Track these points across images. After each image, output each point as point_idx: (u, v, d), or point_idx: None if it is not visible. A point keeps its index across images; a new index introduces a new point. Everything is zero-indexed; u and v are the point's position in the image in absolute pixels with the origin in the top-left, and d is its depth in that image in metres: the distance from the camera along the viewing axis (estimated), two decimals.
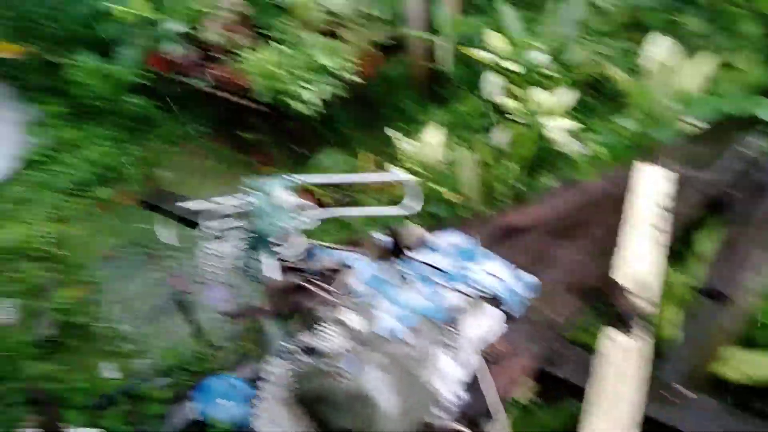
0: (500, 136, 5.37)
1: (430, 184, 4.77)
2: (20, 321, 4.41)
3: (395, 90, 6.52)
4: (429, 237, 2.35)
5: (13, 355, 4.11)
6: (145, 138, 6.16)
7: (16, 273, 4.73)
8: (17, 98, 6.10)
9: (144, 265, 4.92)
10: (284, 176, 1.93)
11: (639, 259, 2.42)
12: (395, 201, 4.85)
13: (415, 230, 2.28)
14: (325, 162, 5.39)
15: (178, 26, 5.82)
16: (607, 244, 2.52)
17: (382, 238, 2.31)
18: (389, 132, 5.89)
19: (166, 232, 2.17)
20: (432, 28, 5.78)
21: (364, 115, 6.26)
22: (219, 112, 6.35)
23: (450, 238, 2.51)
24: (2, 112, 5.98)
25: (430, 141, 4.71)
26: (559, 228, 2.52)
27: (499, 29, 6.23)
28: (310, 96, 4.90)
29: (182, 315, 4.13)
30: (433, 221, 4.76)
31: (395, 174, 2.16)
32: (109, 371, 4.11)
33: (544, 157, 3.63)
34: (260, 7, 5.79)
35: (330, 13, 5.62)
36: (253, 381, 3.24)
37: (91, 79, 5.80)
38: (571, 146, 4.99)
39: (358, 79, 5.39)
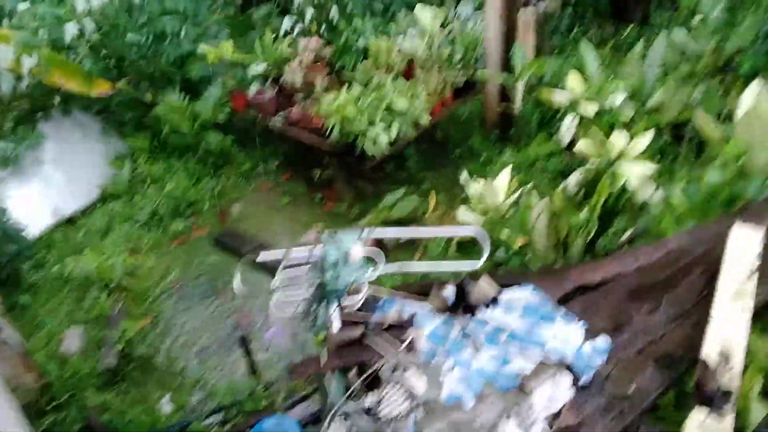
0: (575, 181, 5.15)
1: (499, 228, 4.61)
2: (85, 349, 4.54)
3: (467, 130, 6.43)
4: (497, 292, 2.18)
5: (75, 382, 4.21)
6: (222, 173, 6.35)
7: (86, 301, 4.91)
8: (106, 132, 6.46)
9: (210, 299, 4.98)
10: (357, 230, 1.87)
11: (725, 327, 2.15)
12: (459, 242, 4.72)
13: (484, 285, 2.13)
14: (393, 201, 5.33)
15: (261, 68, 6.02)
16: (689, 308, 2.26)
17: (449, 290, 2.17)
18: (460, 173, 5.80)
19: (240, 282, 2.15)
20: (508, 69, 5.67)
21: (434, 154, 6.20)
22: (293, 149, 6.47)
23: (519, 294, 2.33)
24: (90, 144, 6.34)
25: (501, 183, 4.55)
26: (636, 287, 2.29)
27: (578, 70, 6.05)
28: (382, 137, 4.88)
29: (242, 352, 4.11)
30: (499, 267, 4.58)
31: (466, 228, 2.04)
32: (166, 404, 4.13)
33: (620, 204, 3.38)
34: (340, 51, 5.90)
35: (407, 56, 5.64)
36: (306, 424, 3.16)
37: (176, 116, 6.06)
38: (649, 193, 4.69)
39: (429, 120, 5.34)
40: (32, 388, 4.14)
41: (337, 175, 5.71)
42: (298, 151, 6.34)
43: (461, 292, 2.18)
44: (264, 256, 2.19)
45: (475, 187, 4.68)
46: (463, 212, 4.54)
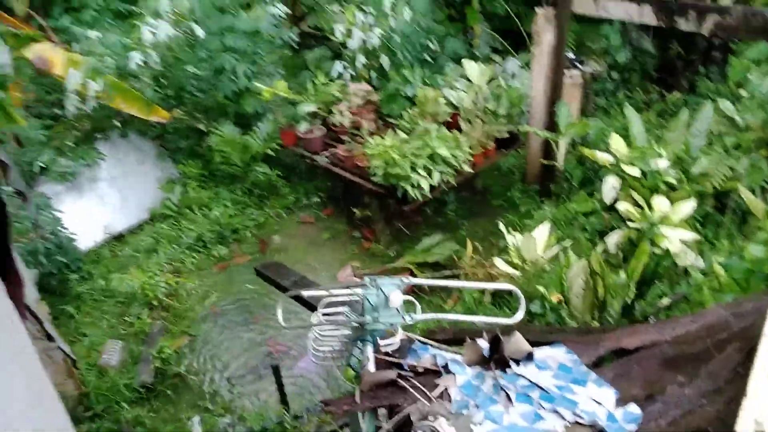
0: (614, 241, 5.18)
1: (535, 282, 4.66)
2: (123, 363, 4.69)
3: (507, 182, 6.55)
4: (531, 349, 2.24)
5: (111, 394, 4.35)
6: (266, 204, 6.56)
7: (128, 317, 5.10)
8: (160, 157, 6.78)
9: (245, 324, 5.11)
10: (398, 278, 1.97)
11: (760, 404, 2.16)
12: (493, 292, 4.78)
13: (518, 340, 2.19)
14: (430, 244, 5.44)
15: (311, 107, 6.28)
16: (724, 383, 2.27)
17: (483, 342, 2.23)
18: (498, 223, 5.89)
19: (282, 315, 2.25)
20: (552, 126, 5.80)
21: (473, 202, 6.32)
22: (335, 187, 6.68)
23: (553, 353, 2.37)
24: (144, 167, 6.64)
25: (539, 237, 4.62)
26: (672, 357, 2.31)
27: (622, 133, 6.14)
28: (423, 182, 5.02)
29: (274, 380, 4.20)
30: (533, 321, 4.62)
31: (503, 284, 2.11)
32: (196, 425, 4.22)
33: (660, 269, 3.42)
34: (387, 97, 6.12)
35: (453, 106, 5.82)
36: None
37: (228, 147, 6.34)
38: (690, 260, 4.70)
39: (470, 169, 5.47)
40: (72, 396, 4.30)
41: (376, 215, 5.86)
42: (340, 189, 6.53)
43: (495, 346, 2.24)
44: (306, 294, 2.30)
45: (513, 240, 4.76)
46: (500, 263, 4.61)
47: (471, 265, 5.16)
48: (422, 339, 2.20)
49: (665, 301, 3.44)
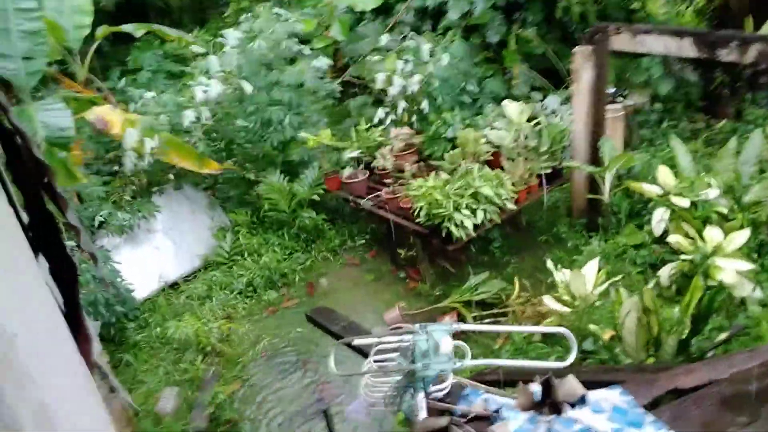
0: (667, 274, 5.05)
1: (586, 319, 4.57)
2: (178, 409, 4.80)
3: (553, 217, 6.49)
4: (585, 391, 2.19)
5: None
6: (312, 248, 6.70)
7: (183, 363, 5.23)
8: (212, 206, 7.05)
9: (296, 369, 5.17)
10: (450, 324, 1.99)
11: None
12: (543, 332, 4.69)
13: (571, 383, 2.15)
14: (476, 283, 5.41)
15: (355, 153, 6.46)
16: None
17: (534, 386, 2.19)
18: (545, 259, 5.82)
19: (333, 362, 2.28)
20: (596, 160, 5.76)
21: (518, 239, 6.28)
22: (379, 229, 6.77)
23: (607, 395, 2.31)
24: (197, 217, 6.91)
25: (589, 273, 4.55)
26: (731, 396, 2.22)
27: (669, 164, 6.04)
28: (467, 221, 5.05)
29: (325, 425, 4.22)
30: (587, 359, 4.50)
31: (554, 328, 2.09)
32: None
33: (715, 303, 3.31)
34: (429, 140, 6.23)
35: (493, 145, 5.87)
36: None
37: (276, 194, 6.55)
38: (747, 291, 4.53)
39: (513, 206, 5.47)
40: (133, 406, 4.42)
41: (421, 255, 5.89)
42: (384, 231, 6.61)
43: (547, 389, 2.20)
44: (358, 341, 2.32)
45: (561, 276, 4.70)
46: (548, 300, 4.55)
47: (519, 302, 5.10)
48: (473, 383, 2.19)
49: (723, 335, 3.32)
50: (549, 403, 2.18)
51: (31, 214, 1.72)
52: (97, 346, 2.94)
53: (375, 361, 2.11)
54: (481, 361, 2.14)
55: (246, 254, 6.45)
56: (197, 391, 4.93)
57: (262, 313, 5.90)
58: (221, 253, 6.49)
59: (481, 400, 2.30)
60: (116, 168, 6.94)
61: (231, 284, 6.15)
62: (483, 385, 2.40)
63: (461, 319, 5.17)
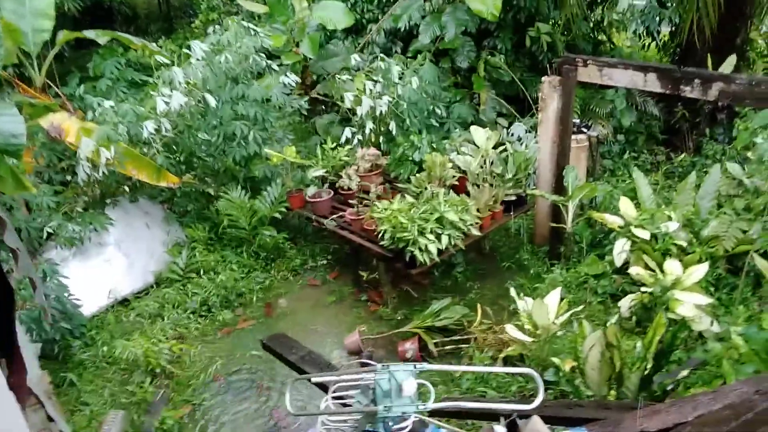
0: (627, 305, 5.07)
1: (548, 349, 4.53)
2: None
3: (516, 244, 6.50)
4: None
5: None
6: (272, 267, 6.53)
7: (130, 385, 4.96)
8: (168, 220, 6.80)
9: (250, 394, 4.96)
10: (414, 364, 1.87)
11: None
12: (505, 357, 4.63)
13: (537, 426, 2.06)
14: (438, 308, 5.33)
15: (320, 171, 6.35)
16: None
17: (499, 428, 2.09)
18: (507, 285, 5.80)
19: (290, 401, 2.13)
20: (560, 189, 5.80)
21: (482, 265, 6.25)
22: (342, 250, 6.65)
23: None
24: (152, 231, 6.65)
25: (551, 303, 4.52)
26: None
27: (630, 195, 6.13)
28: (431, 246, 4.98)
29: None
30: (547, 390, 4.45)
31: (521, 369, 2.00)
32: None
33: (677, 338, 3.30)
34: (395, 162, 6.17)
35: (460, 170, 5.85)
36: None
37: (236, 211, 6.37)
38: (703, 324, 4.57)
39: (477, 232, 5.43)
40: None
41: (383, 278, 5.79)
42: (347, 252, 6.50)
43: (513, 430, 2.10)
44: (316, 379, 2.18)
45: (523, 305, 4.67)
46: (511, 329, 4.50)
47: (481, 330, 5.04)
48: (435, 422, 2.07)
49: (684, 372, 3.31)
50: None
51: None
52: (36, 372, 2.72)
53: (333, 398, 1.98)
54: (445, 404, 2.02)
55: (202, 272, 6.23)
56: (144, 415, 4.67)
57: (217, 333, 5.67)
58: (176, 269, 6.25)
59: None
60: (69, 177, 6.65)
61: (184, 303, 5.91)
62: (445, 425, 2.29)
63: (423, 344, 5.07)
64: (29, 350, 2.38)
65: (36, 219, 5.99)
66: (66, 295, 5.37)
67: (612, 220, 5.61)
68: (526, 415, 2.12)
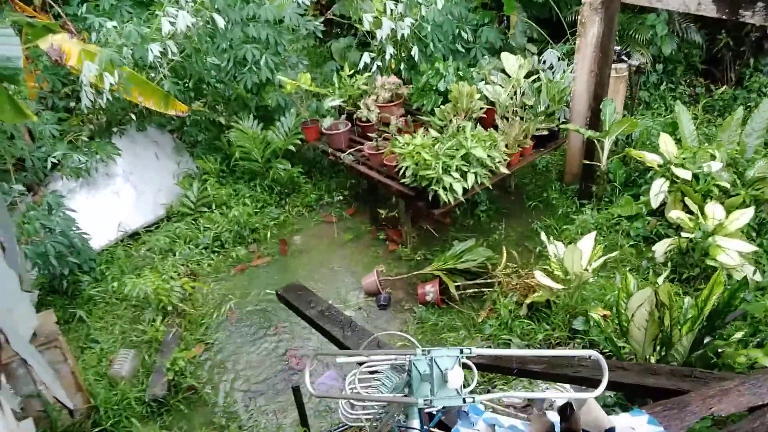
0: (662, 250, 4.77)
1: (578, 296, 4.29)
2: (134, 373, 4.42)
3: (544, 182, 6.14)
4: (611, 423, 1.83)
5: (121, 409, 4.08)
6: (286, 202, 6.26)
7: (141, 324, 4.82)
8: (178, 151, 6.49)
9: (264, 334, 4.81)
10: (460, 348, 1.55)
11: None
12: (530, 305, 4.38)
13: (596, 413, 1.80)
14: (461, 250, 5.06)
15: (336, 101, 5.94)
16: None
17: (552, 414, 1.81)
18: (534, 225, 5.50)
19: (310, 380, 1.81)
20: (595, 124, 5.37)
21: (507, 204, 5.93)
22: (360, 186, 6.33)
23: (634, 422, 1.98)
24: (161, 162, 6.36)
25: (585, 249, 4.23)
26: None
27: (668, 130, 5.69)
28: (456, 185, 4.64)
29: (294, 398, 3.89)
30: (575, 338, 4.24)
31: (583, 351, 1.67)
32: None
33: (736, 298, 2.98)
34: (418, 92, 5.72)
35: (488, 101, 5.42)
36: None
37: (248, 142, 6.04)
38: (746, 275, 4.28)
39: (505, 170, 5.07)
40: (79, 409, 4.05)
41: (403, 217, 5.50)
42: (365, 188, 6.18)
43: (566, 415, 1.81)
44: (342, 360, 1.88)
45: (554, 249, 4.38)
46: (540, 275, 4.23)
47: (505, 273, 4.79)
48: (482, 399, 1.70)
49: (738, 334, 3.04)
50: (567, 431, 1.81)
51: None
52: (32, 323, 2.49)
53: (359, 379, 1.71)
54: (497, 395, 1.71)
55: (214, 206, 5.97)
56: (156, 354, 4.55)
57: (230, 271, 5.48)
58: (187, 203, 6.00)
59: (487, 426, 1.92)
60: (73, 104, 6.31)
61: (196, 238, 5.69)
62: (493, 403, 2.01)
63: (444, 287, 4.84)
64: (23, 300, 2.15)
65: (40, 148, 5.71)
66: (73, 228, 5.15)
67: (651, 159, 5.22)
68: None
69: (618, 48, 6.09)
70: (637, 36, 6.95)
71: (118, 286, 5.07)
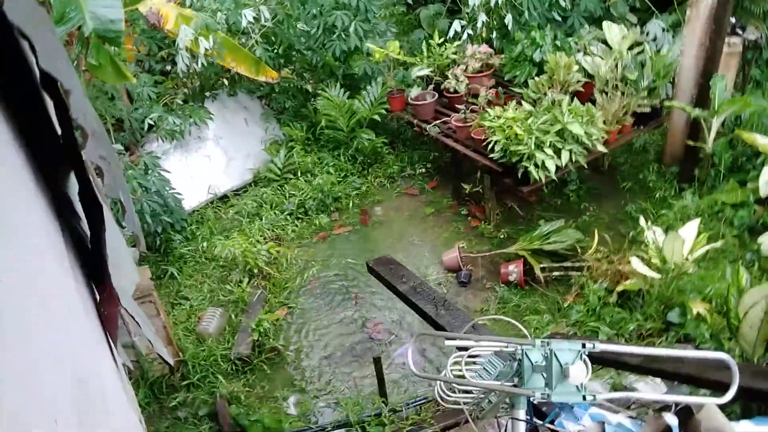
0: None
1: (676, 286, 4.05)
2: (221, 331, 4.59)
3: (640, 162, 5.81)
4: (729, 426, 1.69)
5: (208, 365, 4.25)
6: (369, 172, 6.25)
7: (229, 284, 4.98)
8: (266, 117, 6.60)
9: (346, 302, 4.87)
10: (583, 342, 1.45)
11: None
12: (621, 291, 4.17)
13: (716, 418, 1.66)
14: (548, 231, 4.88)
15: (424, 71, 5.82)
16: None
17: (669, 417, 1.69)
18: (627, 208, 5.22)
19: (411, 360, 1.76)
20: (702, 101, 4.99)
21: (597, 185, 5.65)
22: (444, 159, 6.22)
23: (755, 430, 1.82)
24: (250, 128, 6.49)
25: (687, 237, 3.97)
26: None
27: None
28: (549, 162, 4.46)
29: (374, 367, 3.92)
30: (669, 331, 4.02)
31: (712, 353, 1.52)
32: (292, 406, 4.05)
33: None
34: (510, 62, 5.48)
35: (586, 74, 5.13)
36: None
37: (334, 111, 6.04)
38: None
39: (603, 149, 4.82)
40: (169, 365, 4.25)
41: (487, 193, 5.36)
42: (449, 161, 6.07)
43: (685, 420, 1.68)
44: (450, 343, 1.80)
45: (652, 235, 4.13)
46: (636, 262, 4.01)
47: (596, 258, 4.58)
48: (599, 396, 1.56)
49: None
50: None
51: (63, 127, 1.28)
52: (133, 278, 2.60)
53: (465, 363, 1.65)
54: (618, 395, 1.59)
55: (299, 173, 6.05)
56: (242, 314, 4.70)
57: (312, 237, 5.56)
58: (273, 169, 6.11)
59: (594, 423, 1.82)
60: (168, 67, 6.52)
61: (282, 204, 5.80)
62: (604, 400, 1.88)
63: (528, 267, 4.70)
64: (127, 256, 2.22)
65: (137, 110, 5.94)
66: (167, 189, 5.36)
67: (762, 142, 4.80)
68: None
69: (732, 20, 5.60)
70: (753, 7, 6.35)
71: (207, 246, 5.26)
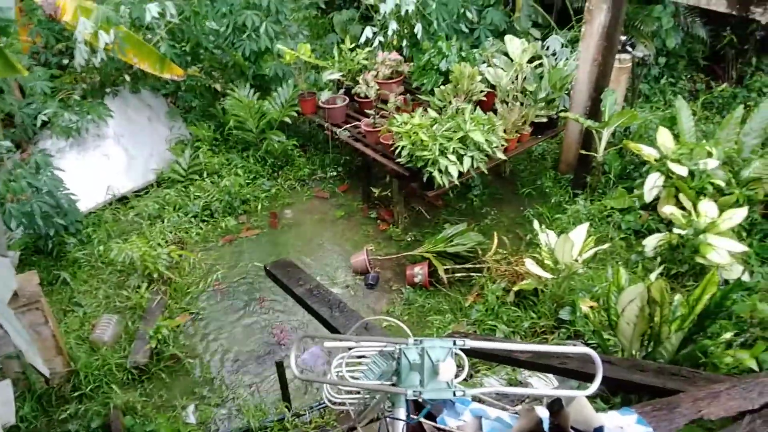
0: (653, 245, 4.77)
1: (566, 285, 4.29)
2: (116, 340, 4.39)
3: (538, 169, 6.12)
4: (601, 421, 1.80)
5: (101, 374, 4.05)
6: (279, 175, 6.19)
7: (126, 289, 4.77)
8: (171, 116, 6.37)
9: (250, 306, 4.79)
10: (453, 339, 1.50)
11: None
12: (518, 291, 4.37)
13: (586, 410, 1.77)
14: (452, 233, 5.03)
15: (335, 75, 5.85)
16: None
17: (541, 410, 1.77)
18: (526, 212, 5.48)
19: (295, 362, 1.76)
20: (595, 113, 5.33)
21: (499, 190, 5.90)
22: (354, 163, 6.27)
23: (623, 422, 1.96)
24: (154, 126, 6.25)
25: (576, 239, 4.22)
26: None
27: (666, 125, 5.66)
28: (452, 168, 4.60)
29: (276, 373, 3.89)
30: (560, 328, 4.25)
31: (575, 348, 1.64)
32: (191, 415, 3.94)
33: (729, 299, 2.98)
34: (419, 70, 5.62)
35: (489, 84, 5.34)
36: None
37: (243, 111, 5.94)
38: (735, 274, 4.30)
39: (503, 156, 5.03)
40: (59, 373, 4.02)
41: (396, 197, 5.46)
42: (358, 165, 6.13)
43: (555, 412, 1.78)
44: (330, 344, 1.83)
45: (545, 238, 4.36)
46: (530, 264, 4.22)
47: (495, 259, 4.77)
48: (468, 391, 1.65)
49: (727, 335, 3.04)
50: (555, 428, 1.78)
51: None
52: (11, 286, 2.44)
53: (347, 363, 1.68)
54: (488, 389, 1.66)
55: (205, 174, 5.89)
56: (139, 321, 4.51)
57: (218, 241, 5.43)
58: (178, 169, 5.91)
59: (473, 417, 1.89)
60: (66, 61, 6.17)
61: (186, 206, 5.62)
62: (484, 395, 1.97)
63: (432, 269, 4.82)
64: (2, 264, 2.09)
65: (30, 104, 5.59)
66: (61, 189, 5.06)
67: (648, 152, 5.19)
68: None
69: (623, 38, 6.03)
70: (642, 27, 6.88)
71: (104, 250, 5.00)
